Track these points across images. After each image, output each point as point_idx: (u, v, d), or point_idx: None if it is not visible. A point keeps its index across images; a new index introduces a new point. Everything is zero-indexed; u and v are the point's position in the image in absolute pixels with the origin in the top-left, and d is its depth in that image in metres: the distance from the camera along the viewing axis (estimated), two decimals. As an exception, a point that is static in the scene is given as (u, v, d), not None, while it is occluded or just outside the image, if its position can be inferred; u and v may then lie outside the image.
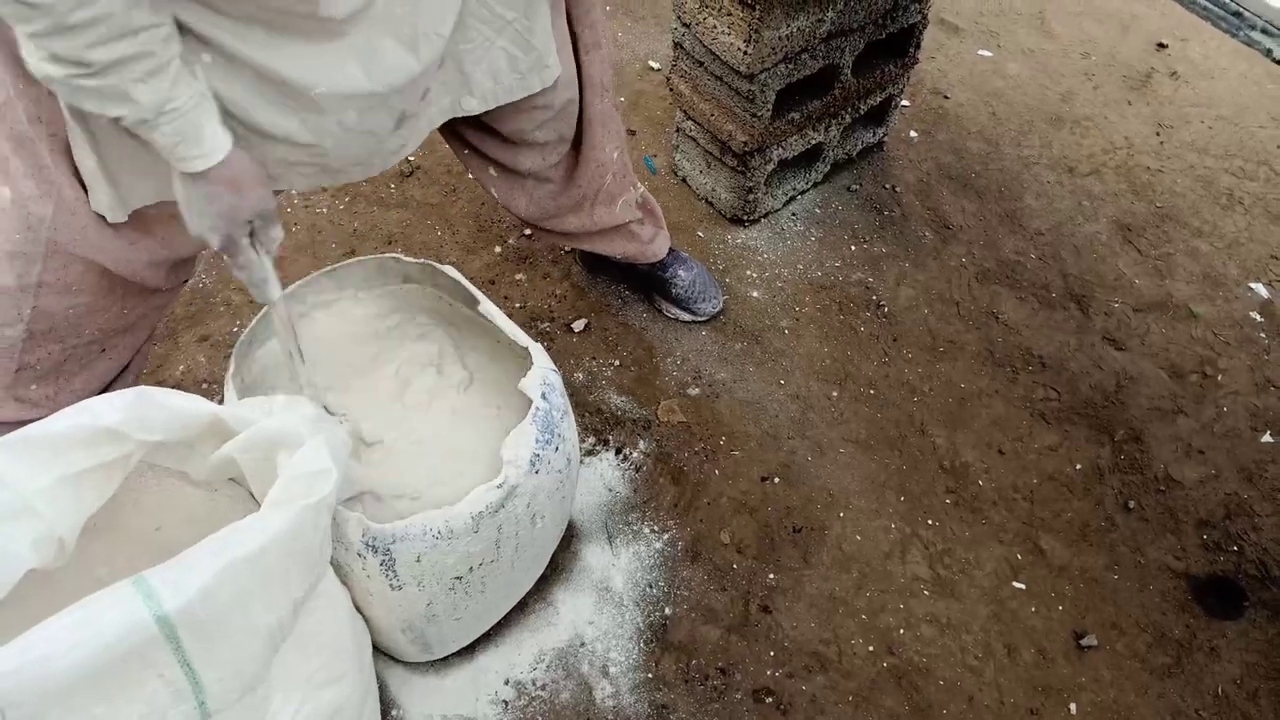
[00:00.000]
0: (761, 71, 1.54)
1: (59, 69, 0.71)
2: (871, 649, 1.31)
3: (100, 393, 0.92)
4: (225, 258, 0.90)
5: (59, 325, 0.99)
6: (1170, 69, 2.29)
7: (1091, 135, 2.11)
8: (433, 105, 1.06)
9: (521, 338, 1.07)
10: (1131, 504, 1.49)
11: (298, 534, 0.73)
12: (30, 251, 0.92)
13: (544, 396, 1.02)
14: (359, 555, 0.93)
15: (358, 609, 1.02)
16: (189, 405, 0.81)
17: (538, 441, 1.00)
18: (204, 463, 0.91)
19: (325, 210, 1.79)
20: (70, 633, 0.63)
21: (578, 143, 1.35)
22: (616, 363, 1.61)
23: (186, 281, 1.11)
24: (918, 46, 1.82)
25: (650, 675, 1.26)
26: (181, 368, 1.53)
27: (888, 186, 1.94)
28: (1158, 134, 2.12)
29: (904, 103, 2.10)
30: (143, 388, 0.81)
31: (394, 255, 1.13)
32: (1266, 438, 1.59)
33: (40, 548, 0.77)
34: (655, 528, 1.41)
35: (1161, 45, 2.36)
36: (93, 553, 0.98)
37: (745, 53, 1.50)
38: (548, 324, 1.65)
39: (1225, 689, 1.31)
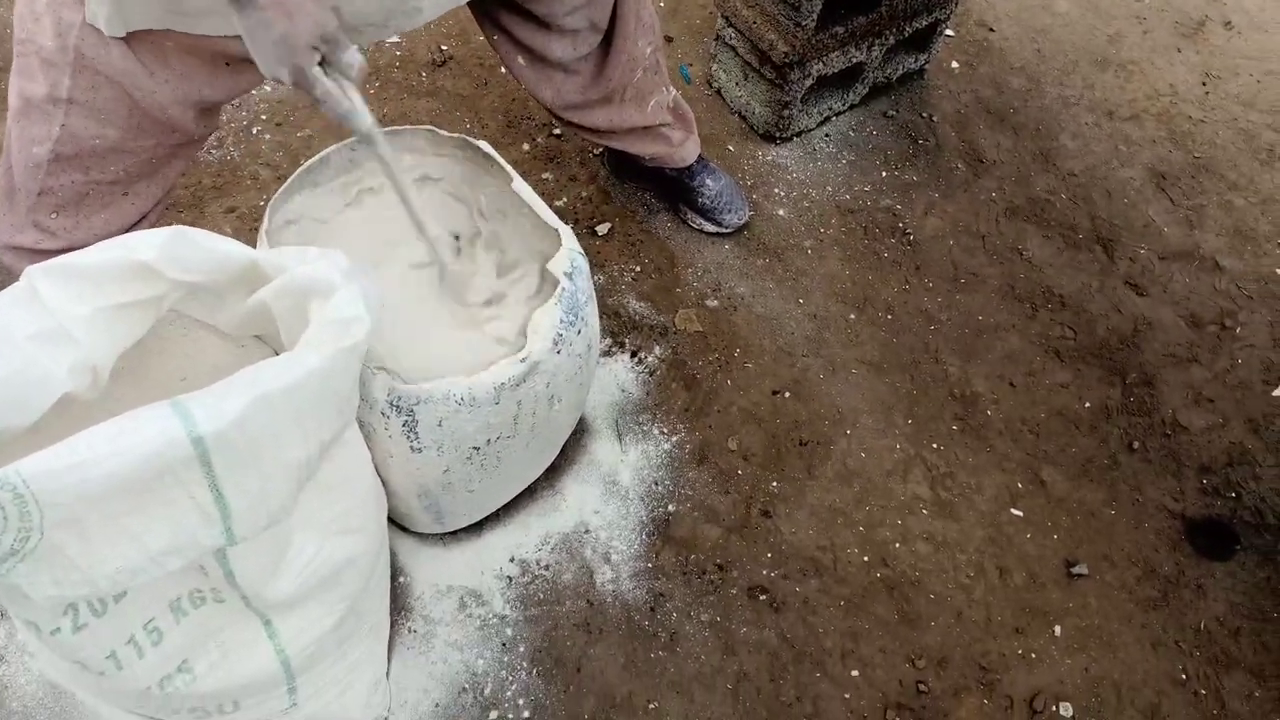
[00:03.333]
0: (809, -21, 1.50)
1: None
2: (866, 559, 1.34)
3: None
4: (311, 96, 0.85)
5: (84, 153, 1.00)
6: (1225, 18, 2.23)
7: (1136, 80, 2.06)
8: None
9: (551, 219, 1.07)
10: (1136, 445, 1.51)
11: (330, 375, 0.75)
12: (60, 61, 0.92)
13: (570, 278, 1.03)
14: (382, 414, 0.95)
15: (376, 472, 1.05)
16: (226, 247, 0.82)
17: (562, 321, 1.02)
18: (234, 312, 0.93)
19: (356, 94, 1.78)
20: (109, 442, 0.65)
21: (610, 36, 1.33)
22: (638, 268, 1.62)
23: (211, 131, 1.11)
24: (970, -30, 1.78)
25: (650, 565, 1.29)
26: (207, 237, 1.54)
27: (924, 115, 1.91)
28: (1204, 84, 2.07)
29: (949, 31, 2.06)
30: (181, 226, 0.81)
31: (429, 128, 1.12)
32: (1278, 392, 1.60)
33: (76, 374, 0.79)
34: (665, 430, 1.43)
35: (1218, -6, 2.30)
36: (119, 397, 1.00)
37: (795, -43, 1.47)
38: (572, 224, 1.65)
39: (1208, 625, 1.34)
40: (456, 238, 1.16)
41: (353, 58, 0.87)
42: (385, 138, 0.93)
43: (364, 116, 0.90)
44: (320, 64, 0.85)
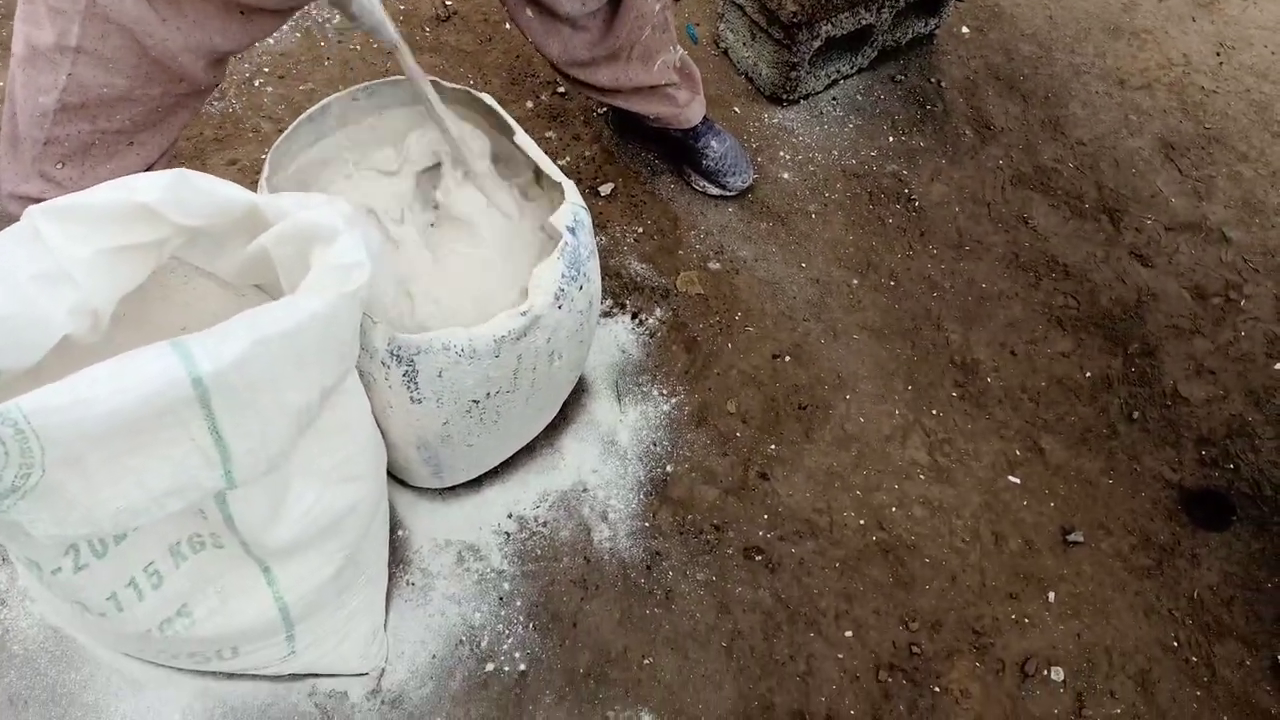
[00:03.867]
0: (820, -64, 1.48)
1: None
2: (862, 522, 1.35)
3: None
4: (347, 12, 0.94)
5: (91, 102, 0.99)
6: (1241, -12, 2.20)
7: (1149, 49, 2.04)
8: None
9: (555, 172, 1.07)
10: (1135, 415, 1.51)
11: (331, 320, 0.75)
12: (69, 9, 0.91)
13: (573, 232, 1.03)
14: (383, 364, 0.95)
15: (376, 423, 1.05)
16: (228, 191, 0.81)
17: (564, 276, 1.01)
18: (234, 260, 0.92)
19: (358, 47, 1.76)
20: (110, 381, 0.65)
21: None
22: (640, 230, 1.61)
23: (218, 82, 1.10)
24: (984, -68, 1.75)
25: (647, 524, 1.30)
26: (208, 190, 1.53)
27: (933, 80, 1.89)
28: (1218, 54, 2.05)
29: (960, -4, 2.03)
30: (183, 170, 0.81)
31: (433, 78, 1.11)
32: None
33: (76, 316, 0.79)
34: (664, 391, 1.43)
35: (1235, -37, 2.26)
36: (119, 343, 0.99)
37: (806, -86, 1.44)
38: (575, 184, 1.64)
39: (1201, 594, 1.35)
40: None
41: None
42: (408, 48, 1.04)
43: (390, 29, 1.00)
44: None
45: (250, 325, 0.70)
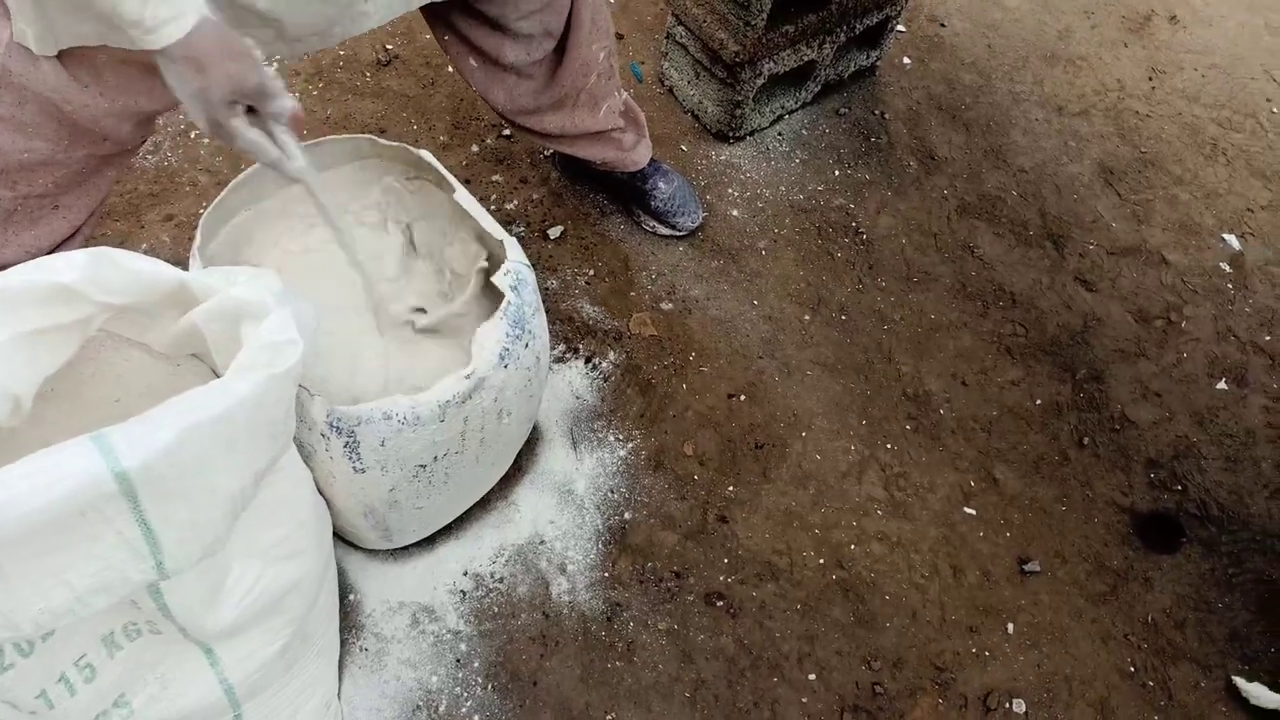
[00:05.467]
0: (758, -22, 1.49)
1: None
2: (822, 562, 1.35)
3: (50, 254, 0.90)
4: (233, 148, 0.85)
5: (11, 168, 0.96)
6: (1170, 12, 2.26)
7: (1084, 75, 2.09)
8: None
9: (497, 230, 1.05)
10: (1086, 440, 1.53)
11: (261, 402, 0.72)
12: None
13: (516, 290, 1.01)
14: (322, 436, 0.93)
15: (320, 491, 1.02)
16: (151, 269, 0.79)
17: (508, 335, 1.00)
18: (166, 333, 0.90)
19: (297, 95, 1.73)
20: (26, 481, 0.62)
21: (564, 41, 1.30)
22: (591, 272, 1.60)
23: (145, 140, 1.07)
24: (919, -32, 1.78)
25: (607, 574, 1.29)
26: (144, 246, 1.49)
27: (876, 113, 1.92)
28: (1150, 79, 2.10)
29: (900, 28, 2.06)
30: (103, 248, 0.78)
31: (369, 136, 1.10)
32: (1221, 385, 1.63)
33: (-5, 403, 0.76)
34: (620, 436, 1.42)
35: (1163, -11, 2.33)
36: (51, 420, 0.96)
37: (743, -43, 1.45)
38: (523, 228, 1.63)
39: (1155, 617, 1.37)
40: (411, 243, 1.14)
41: (282, 106, 0.85)
42: (318, 178, 0.92)
43: (295, 161, 0.88)
44: (251, 111, 0.83)
45: (176, 414, 0.68)
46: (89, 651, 0.82)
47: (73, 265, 0.76)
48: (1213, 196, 1.90)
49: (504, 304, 1.00)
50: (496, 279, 1.01)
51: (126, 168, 1.12)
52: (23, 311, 0.76)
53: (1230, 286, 1.77)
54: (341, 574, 1.21)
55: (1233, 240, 1.84)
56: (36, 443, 0.90)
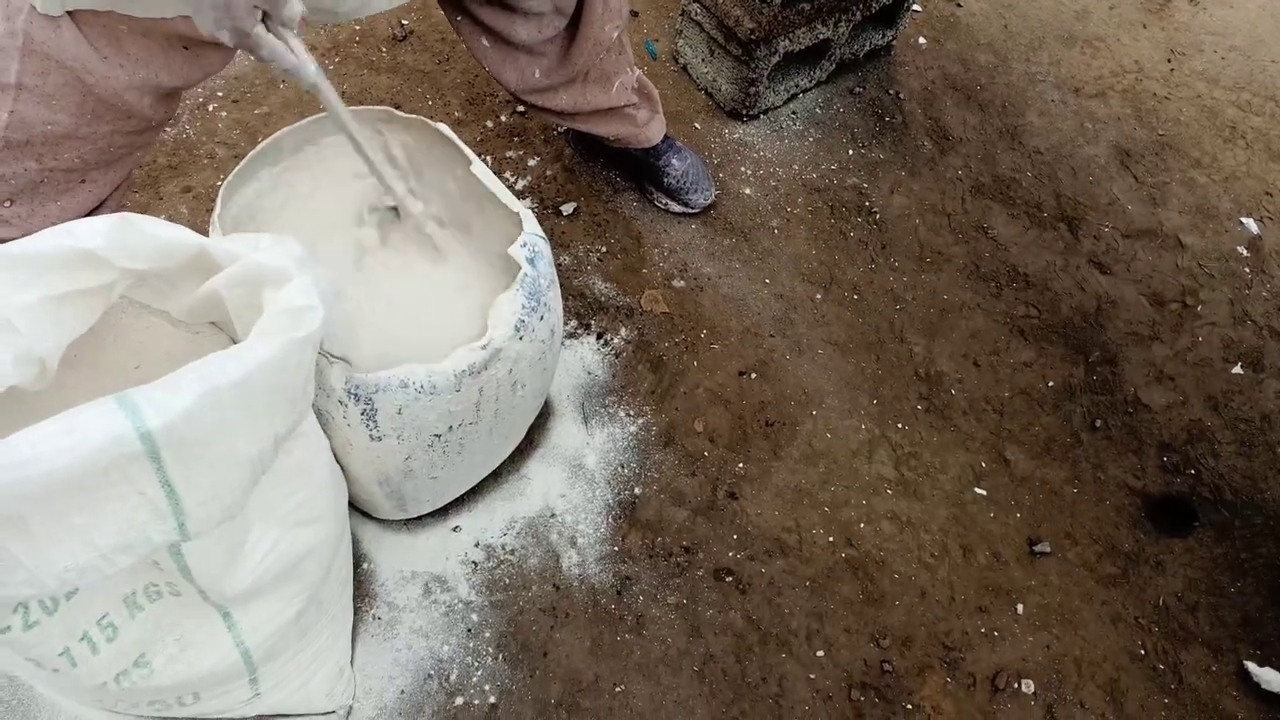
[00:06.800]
0: (776, -45, 1.48)
1: None
2: (831, 540, 1.35)
3: None
4: (256, 56, 0.86)
5: (36, 140, 0.96)
6: (1190, -5, 2.24)
7: (1102, 56, 2.07)
8: None
9: (513, 202, 1.06)
10: (1098, 423, 1.53)
11: (282, 367, 0.73)
12: (8, 46, 0.89)
13: (532, 263, 1.02)
14: (340, 403, 0.94)
15: (336, 460, 1.03)
16: (174, 234, 0.79)
17: (524, 307, 1.00)
18: (186, 299, 0.90)
19: (315, 70, 1.73)
20: (53, 440, 0.63)
21: (576, 19, 1.30)
22: (604, 249, 1.60)
23: (170, 117, 1.07)
24: (938, -54, 1.76)
25: (616, 548, 1.29)
26: (163, 217, 1.48)
27: (891, 92, 1.91)
28: (1169, 60, 2.08)
29: (916, 7, 2.05)
30: (127, 214, 0.79)
31: (386, 109, 1.10)
32: (1237, 369, 1.63)
33: (21, 365, 0.77)
34: (631, 412, 1.43)
35: (1184, -30, 2.31)
36: (72, 384, 0.97)
37: (761, -68, 1.45)
38: (536, 204, 1.63)
39: (1166, 600, 1.37)
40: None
41: (293, 9, 0.86)
42: (331, 86, 0.95)
43: (309, 68, 0.90)
44: (262, 20, 0.84)
45: (198, 377, 0.69)
46: (111, 611, 0.83)
47: (97, 231, 0.77)
48: (1231, 180, 1.89)
49: (520, 275, 1.00)
50: (513, 251, 1.02)
51: (151, 146, 1.12)
52: (50, 275, 0.77)
53: (1247, 270, 1.76)
54: (356, 543, 1.23)
55: (1251, 224, 1.82)
56: (60, 407, 0.91)
